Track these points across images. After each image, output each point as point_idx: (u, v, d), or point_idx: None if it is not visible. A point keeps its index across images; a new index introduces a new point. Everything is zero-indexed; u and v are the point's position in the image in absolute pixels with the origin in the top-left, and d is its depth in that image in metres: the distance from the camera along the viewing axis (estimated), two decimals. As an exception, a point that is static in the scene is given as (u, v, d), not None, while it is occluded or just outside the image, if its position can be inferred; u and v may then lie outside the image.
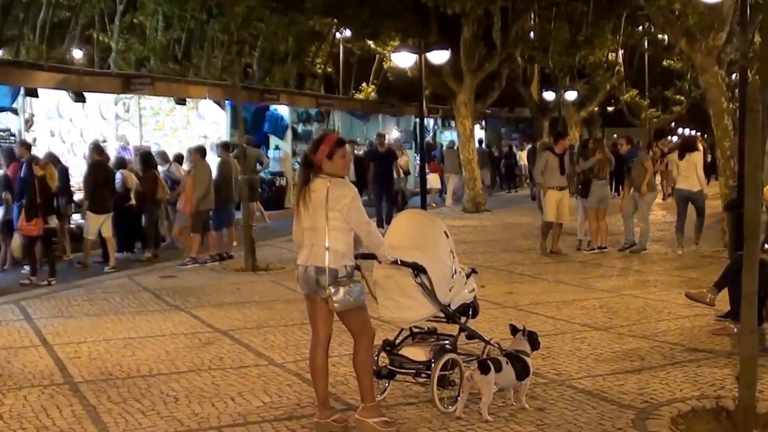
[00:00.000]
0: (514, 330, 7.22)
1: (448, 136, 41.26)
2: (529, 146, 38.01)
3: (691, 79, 40.48)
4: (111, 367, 8.47)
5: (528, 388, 7.02)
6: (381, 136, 23.68)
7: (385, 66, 37.83)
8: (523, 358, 6.91)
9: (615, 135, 55.53)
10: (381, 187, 21.43)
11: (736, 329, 9.08)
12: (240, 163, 16.69)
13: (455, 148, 29.69)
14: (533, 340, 7.14)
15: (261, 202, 23.46)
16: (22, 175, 15.48)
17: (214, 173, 16.58)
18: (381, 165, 21.56)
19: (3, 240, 15.91)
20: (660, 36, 38.86)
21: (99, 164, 16.26)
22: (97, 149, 16.59)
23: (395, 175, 22.07)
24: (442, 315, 7.03)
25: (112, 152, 19.91)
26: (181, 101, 23.48)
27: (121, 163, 18.04)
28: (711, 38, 16.79)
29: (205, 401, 7.26)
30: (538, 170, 16.48)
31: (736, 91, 19.34)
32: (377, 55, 37.01)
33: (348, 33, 35.60)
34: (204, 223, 16.10)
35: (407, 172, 28.77)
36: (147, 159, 17.86)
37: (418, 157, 30.08)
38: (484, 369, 6.58)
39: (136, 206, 17.67)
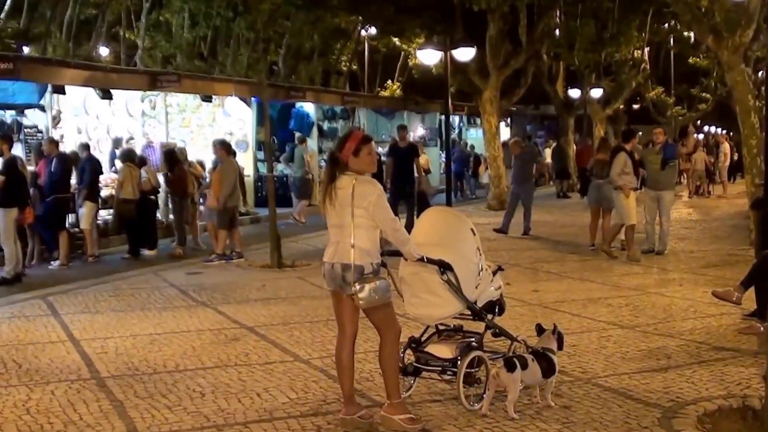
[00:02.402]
0: (540, 330, 7.20)
1: (473, 134, 41.26)
2: (555, 144, 37.94)
3: (717, 76, 40.32)
4: (137, 362, 8.51)
5: (554, 386, 6.99)
6: (402, 129, 19.53)
7: (411, 63, 37.89)
8: (549, 355, 6.88)
9: (640, 132, 55.22)
10: (400, 187, 18.06)
11: (762, 328, 9.06)
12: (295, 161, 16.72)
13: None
14: (560, 339, 7.11)
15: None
16: (52, 169, 15.75)
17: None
18: (401, 162, 18.22)
19: (31, 236, 16.04)
20: (686, 33, 38.70)
21: (91, 159, 17.18)
22: (85, 147, 17.44)
23: (415, 174, 18.67)
24: (468, 312, 7.03)
25: (138, 149, 20.05)
26: (208, 98, 23.60)
27: (143, 162, 18.17)
28: (737, 35, 16.69)
29: (231, 397, 7.29)
30: (616, 172, 15.33)
31: (763, 88, 19.21)
32: (402, 53, 37.06)
33: (373, 30, 35.71)
34: (230, 220, 16.15)
35: (428, 171, 28.31)
36: (172, 156, 18.07)
37: (443, 155, 30.04)
38: (510, 366, 6.57)
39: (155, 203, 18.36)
